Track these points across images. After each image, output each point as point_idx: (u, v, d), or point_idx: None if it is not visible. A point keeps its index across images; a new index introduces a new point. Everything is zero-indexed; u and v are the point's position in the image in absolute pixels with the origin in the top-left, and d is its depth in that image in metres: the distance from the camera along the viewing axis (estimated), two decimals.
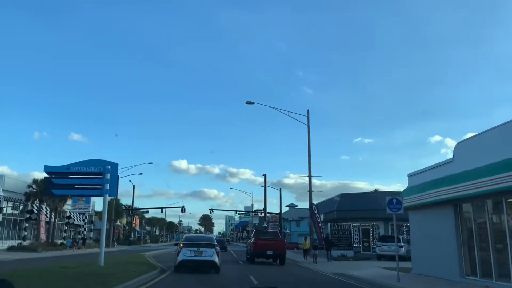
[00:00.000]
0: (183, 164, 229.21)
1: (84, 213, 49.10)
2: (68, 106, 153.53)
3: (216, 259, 15.99)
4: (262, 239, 23.74)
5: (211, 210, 75.19)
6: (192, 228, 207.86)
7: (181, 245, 16.39)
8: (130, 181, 70.66)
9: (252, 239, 24.60)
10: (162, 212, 63.95)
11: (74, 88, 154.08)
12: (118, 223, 77.77)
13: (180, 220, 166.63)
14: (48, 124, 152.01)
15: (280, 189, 70.63)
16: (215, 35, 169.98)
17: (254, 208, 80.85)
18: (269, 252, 22.71)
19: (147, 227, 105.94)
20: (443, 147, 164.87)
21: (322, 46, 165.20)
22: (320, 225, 33.49)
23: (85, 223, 49.43)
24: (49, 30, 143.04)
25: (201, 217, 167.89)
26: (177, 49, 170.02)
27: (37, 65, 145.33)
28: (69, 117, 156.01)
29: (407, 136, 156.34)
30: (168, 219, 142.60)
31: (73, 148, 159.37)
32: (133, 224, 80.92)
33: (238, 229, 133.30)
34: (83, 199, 48.91)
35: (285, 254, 23.64)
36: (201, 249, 15.92)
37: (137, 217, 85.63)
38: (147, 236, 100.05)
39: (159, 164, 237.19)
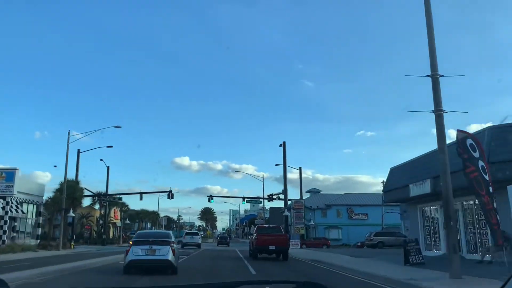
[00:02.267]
0: (185, 160, 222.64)
1: (4, 198, 31.26)
2: (69, 105, 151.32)
3: (171, 258, 13.99)
4: (265, 234, 23.28)
5: (210, 198, 57.57)
6: (195, 224, 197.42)
7: (131, 242, 14.53)
8: (101, 160, 52.63)
9: (254, 234, 23.83)
10: (141, 199, 46.97)
11: (74, 86, 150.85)
12: (91, 215, 60.50)
13: (179, 216, 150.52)
14: (49, 123, 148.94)
15: (300, 168, 53.05)
16: (212, 29, 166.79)
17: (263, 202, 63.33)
18: (271, 247, 22.44)
19: (137, 222, 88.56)
20: (446, 139, 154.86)
21: (321, 38, 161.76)
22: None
23: (6, 213, 31.39)
24: (48, 26, 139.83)
25: (201, 211, 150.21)
26: (175, 44, 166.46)
27: (37, 64, 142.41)
28: (70, 116, 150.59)
29: (409, 127, 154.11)
30: (167, 215, 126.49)
31: (76, 147, 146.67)
32: (111, 218, 63.27)
33: (244, 223, 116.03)
34: (3, 174, 31.10)
35: (288, 249, 23.48)
36: (154, 246, 13.97)
37: (116, 209, 67.99)
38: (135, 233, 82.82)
39: (161, 161, 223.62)
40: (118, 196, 49.50)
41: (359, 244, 52.24)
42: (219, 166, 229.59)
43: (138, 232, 21.24)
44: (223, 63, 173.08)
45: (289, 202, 45.17)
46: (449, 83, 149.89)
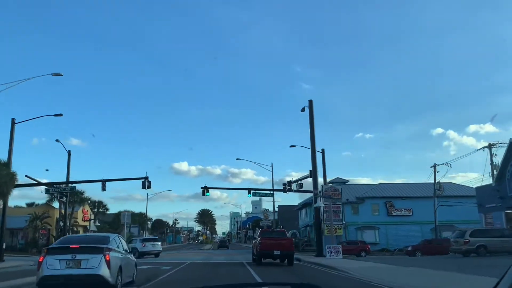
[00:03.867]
0: (183, 166, 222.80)
1: None
2: (66, 111, 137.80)
3: (105, 272, 10.11)
4: (269, 238, 22.21)
5: (205, 190, 43.26)
6: (194, 229, 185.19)
7: (45, 251, 10.64)
8: (57, 140, 38.29)
9: (258, 238, 22.51)
10: (103, 189, 32.63)
11: (72, 92, 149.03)
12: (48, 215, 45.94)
13: (175, 219, 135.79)
14: (47, 130, 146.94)
15: (323, 150, 39.00)
16: (209, 33, 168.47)
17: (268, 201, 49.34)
18: (276, 252, 21.25)
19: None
20: (445, 140, 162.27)
21: (319, 41, 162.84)
22: None
23: None
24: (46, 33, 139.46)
25: (198, 213, 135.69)
26: (172, 48, 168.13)
27: (37, 68, 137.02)
28: (68, 123, 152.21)
29: (408, 129, 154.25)
30: (164, 220, 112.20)
31: (73, 153, 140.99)
32: (75, 219, 48.75)
33: (248, 226, 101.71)
34: None
35: (293, 254, 22.35)
36: (79, 256, 10.18)
37: (87, 209, 53.56)
38: None
39: (160, 167, 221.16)
40: (73, 185, 35.13)
41: (409, 249, 37.93)
42: (218, 171, 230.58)
43: (62, 238, 14.27)
44: (221, 67, 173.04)
45: (322, 187, 30.84)
46: (446, 83, 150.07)
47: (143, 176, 34.17)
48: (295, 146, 44.38)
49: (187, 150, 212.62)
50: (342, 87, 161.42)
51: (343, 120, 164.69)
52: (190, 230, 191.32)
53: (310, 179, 33.10)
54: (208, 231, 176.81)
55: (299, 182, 35.77)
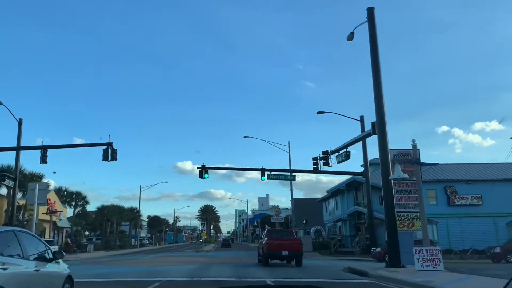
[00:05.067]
0: (187, 165, 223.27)
1: None
2: (70, 110, 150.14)
3: None
4: (276, 238, 21.17)
5: (203, 171, 31.91)
6: (198, 228, 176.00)
7: None
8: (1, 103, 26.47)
9: (265, 239, 21.42)
10: (43, 162, 21.33)
11: (75, 92, 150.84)
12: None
13: (176, 217, 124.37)
14: (50, 129, 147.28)
15: (362, 117, 27.57)
16: (213, 33, 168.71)
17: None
18: (284, 253, 20.22)
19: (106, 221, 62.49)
20: (450, 138, 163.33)
21: (321, 39, 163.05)
22: None
23: None
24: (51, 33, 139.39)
25: (200, 209, 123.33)
26: (176, 48, 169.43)
27: (38, 70, 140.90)
28: (72, 122, 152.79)
29: (413, 127, 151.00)
30: (157, 217, 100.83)
31: (76, 152, 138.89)
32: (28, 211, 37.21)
33: (255, 223, 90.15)
34: None
35: (302, 254, 21.01)
36: None
37: (53, 199, 42.07)
38: (91, 236, 56.97)
39: (164, 166, 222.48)
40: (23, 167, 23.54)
41: (497, 250, 26.36)
42: (222, 170, 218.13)
43: None
44: (224, 66, 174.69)
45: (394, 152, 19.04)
46: (450, 82, 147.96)
47: (106, 142, 22.64)
48: (323, 112, 33.07)
49: (191, 149, 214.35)
50: (344, 85, 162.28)
51: (346, 119, 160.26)
52: (193, 229, 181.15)
53: (355, 151, 21.46)
54: (212, 230, 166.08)
55: (344, 151, 24.04)
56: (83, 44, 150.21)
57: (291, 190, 41.92)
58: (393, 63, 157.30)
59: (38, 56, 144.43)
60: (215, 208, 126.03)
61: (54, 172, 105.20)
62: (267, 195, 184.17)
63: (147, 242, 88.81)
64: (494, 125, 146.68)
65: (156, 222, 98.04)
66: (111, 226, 62.20)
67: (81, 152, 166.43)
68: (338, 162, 25.33)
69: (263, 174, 31.83)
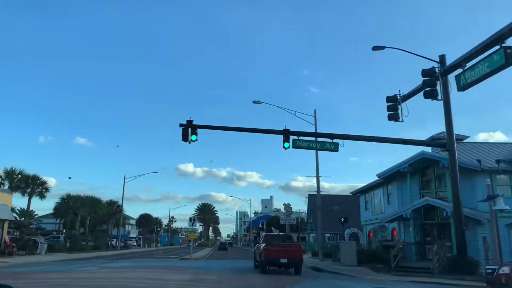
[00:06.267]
0: (189, 167, 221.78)
1: None
2: (73, 111, 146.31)
3: None
4: (274, 244, 19.68)
5: (188, 130, 19.44)
6: (198, 231, 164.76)
7: None
8: None
9: (263, 244, 19.96)
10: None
11: (79, 93, 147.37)
12: None
13: (171, 217, 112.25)
14: (53, 128, 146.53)
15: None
16: (218, 36, 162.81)
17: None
18: (283, 260, 18.78)
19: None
20: None
21: (326, 43, 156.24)
22: None
23: None
24: (53, 32, 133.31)
25: (197, 208, 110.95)
26: (181, 51, 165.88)
27: (42, 70, 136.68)
28: (75, 122, 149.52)
29: (415, 134, 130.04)
30: (148, 215, 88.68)
31: (79, 152, 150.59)
32: None
33: (260, 225, 78.05)
34: None
35: (302, 261, 19.44)
36: None
37: None
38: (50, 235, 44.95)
39: (166, 168, 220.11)
40: None
41: None
42: (223, 173, 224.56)
43: None
44: (229, 69, 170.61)
45: None
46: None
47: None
48: (382, 48, 20.92)
49: (193, 152, 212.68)
50: (348, 90, 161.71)
51: (350, 125, 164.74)
52: (192, 230, 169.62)
53: None
54: (211, 233, 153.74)
55: None
56: (87, 42, 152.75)
57: (317, 170, 29.44)
58: (393, 66, 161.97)
59: (38, 52, 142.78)
60: (213, 207, 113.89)
61: (69, 178, 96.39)
62: (271, 196, 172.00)
63: (134, 244, 76.59)
64: (498, 136, 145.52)
65: (146, 221, 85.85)
66: (83, 223, 50.01)
67: (83, 153, 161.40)
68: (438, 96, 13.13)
69: (286, 139, 19.59)
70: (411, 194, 23.81)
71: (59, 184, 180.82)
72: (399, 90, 16.36)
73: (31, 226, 56.77)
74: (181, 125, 19.44)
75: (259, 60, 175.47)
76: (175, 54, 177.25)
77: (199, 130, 19.56)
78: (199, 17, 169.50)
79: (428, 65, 18.98)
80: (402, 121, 16.22)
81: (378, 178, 25.91)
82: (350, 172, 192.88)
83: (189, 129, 19.27)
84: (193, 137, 19.22)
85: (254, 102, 29.80)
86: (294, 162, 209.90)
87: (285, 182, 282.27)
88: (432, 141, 22.14)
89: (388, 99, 16.25)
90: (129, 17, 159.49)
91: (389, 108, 16.25)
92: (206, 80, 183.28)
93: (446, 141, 20.49)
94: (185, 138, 19.26)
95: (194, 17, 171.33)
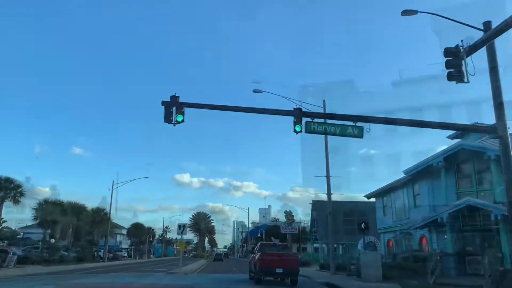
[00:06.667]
0: (185, 177, 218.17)
1: None
2: (69, 120, 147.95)
3: None
4: (270, 254, 19.17)
5: (172, 109, 15.23)
6: (193, 242, 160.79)
7: None
8: None
9: (258, 254, 19.59)
10: None
11: (74, 101, 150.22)
12: None
13: (166, 227, 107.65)
14: (50, 137, 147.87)
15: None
16: (214, 44, 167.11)
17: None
18: (278, 270, 18.26)
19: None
20: None
21: (321, 53, 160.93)
22: None
23: None
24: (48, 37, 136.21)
25: (192, 216, 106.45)
26: (176, 60, 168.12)
27: (38, 76, 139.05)
28: (71, 131, 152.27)
29: (413, 144, 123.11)
30: (139, 224, 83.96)
31: (75, 162, 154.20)
32: None
33: (259, 235, 73.73)
34: None
35: (298, 272, 18.58)
36: None
37: None
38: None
39: (162, 178, 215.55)
40: None
41: None
42: (220, 184, 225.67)
43: None
44: (225, 79, 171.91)
45: None
46: (455, 89, 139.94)
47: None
48: (415, 12, 16.89)
49: (190, 162, 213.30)
50: (343, 100, 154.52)
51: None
52: (188, 241, 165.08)
53: None
54: (207, 244, 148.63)
55: None
56: (82, 47, 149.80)
57: (328, 167, 25.24)
58: (388, 74, 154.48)
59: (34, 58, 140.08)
60: (209, 216, 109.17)
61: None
62: (269, 206, 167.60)
63: (125, 255, 71.74)
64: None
65: (138, 231, 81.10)
66: (66, 232, 45.50)
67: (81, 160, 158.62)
68: None
69: (298, 121, 15.40)
70: (446, 194, 19.60)
71: (60, 194, 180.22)
72: (461, 40, 12.28)
73: (18, 236, 52.19)
74: (163, 102, 15.27)
75: (255, 70, 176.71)
76: (171, 64, 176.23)
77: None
78: (197, 28, 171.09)
79: (471, 32, 14.95)
80: (468, 81, 12.12)
81: (404, 175, 21.67)
82: (348, 183, 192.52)
83: (173, 108, 15.12)
84: (179, 117, 14.99)
85: (255, 91, 25.82)
86: (294, 173, 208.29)
87: (282, 193, 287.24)
88: (475, 126, 18.07)
89: (448, 52, 12.23)
90: (126, 26, 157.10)
91: (448, 65, 12.22)
92: (201, 90, 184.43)
93: (493, 126, 16.39)
94: (168, 118, 15.06)
95: (191, 27, 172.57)
